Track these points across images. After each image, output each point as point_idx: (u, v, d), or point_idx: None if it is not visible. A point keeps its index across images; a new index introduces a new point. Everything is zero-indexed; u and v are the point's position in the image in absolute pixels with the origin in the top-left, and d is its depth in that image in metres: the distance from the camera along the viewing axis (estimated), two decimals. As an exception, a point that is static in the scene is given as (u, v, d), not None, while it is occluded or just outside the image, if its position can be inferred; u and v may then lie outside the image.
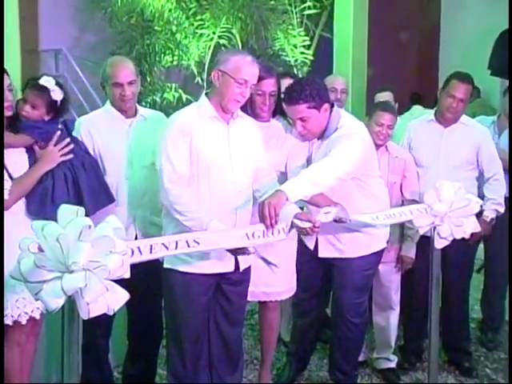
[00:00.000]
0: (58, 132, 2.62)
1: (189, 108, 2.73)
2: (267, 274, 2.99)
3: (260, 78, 2.85)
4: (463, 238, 2.95)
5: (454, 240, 2.89)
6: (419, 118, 3.65)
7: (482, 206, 3.36)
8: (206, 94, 2.69)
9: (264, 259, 2.98)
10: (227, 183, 2.63)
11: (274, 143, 2.99)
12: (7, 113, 2.46)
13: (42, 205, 2.52)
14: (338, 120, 2.87)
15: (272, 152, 2.90)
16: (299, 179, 2.54)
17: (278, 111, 3.03)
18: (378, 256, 3.10)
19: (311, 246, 3.04)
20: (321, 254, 3.03)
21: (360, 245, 2.98)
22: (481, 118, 3.91)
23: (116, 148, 2.85)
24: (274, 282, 3.04)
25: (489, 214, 3.45)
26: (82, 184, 2.64)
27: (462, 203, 2.81)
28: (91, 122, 2.91)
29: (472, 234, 3.32)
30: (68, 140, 2.64)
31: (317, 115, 2.79)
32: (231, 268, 2.68)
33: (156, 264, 2.64)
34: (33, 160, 2.55)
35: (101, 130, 2.86)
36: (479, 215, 3.28)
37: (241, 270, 2.71)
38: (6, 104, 2.44)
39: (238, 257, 2.66)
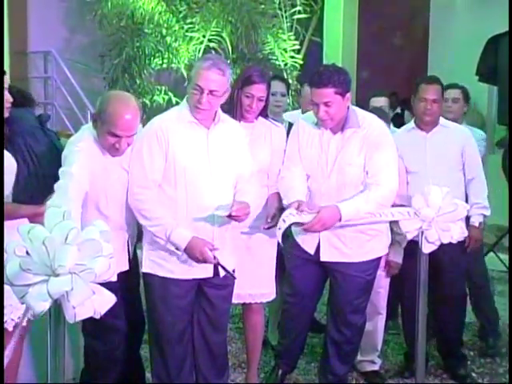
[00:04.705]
0: None
1: (169, 112, 2.73)
2: (251, 276, 2.98)
3: (252, 82, 2.89)
4: (455, 246, 2.97)
5: (447, 246, 2.90)
6: (403, 127, 3.67)
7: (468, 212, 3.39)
8: (187, 98, 2.68)
9: (247, 261, 2.95)
10: (205, 190, 2.58)
11: (261, 142, 3.00)
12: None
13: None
14: (356, 115, 2.89)
15: (259, 151, 2.92)
16: (355, 209, 2.75)
17: (263, 114, 3.05)
18: (379, 261, 3.11)
19: (312, 251, 3.01)
20: (323, 258, 2.99)
21: (366, 249, 2.99)
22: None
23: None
24: (259, 283, 3.05)
25: (476, 220, 3.44)
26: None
27: (450, 208, 2.82)
28: None
29: (469, 243, 3.38)
30: None
31: (340, 102, 2.81)
32: (210, 273, 2.67)
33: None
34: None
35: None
36: (467, 221, 3.29)
37: (221, 275, 2.68)
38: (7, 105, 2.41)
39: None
